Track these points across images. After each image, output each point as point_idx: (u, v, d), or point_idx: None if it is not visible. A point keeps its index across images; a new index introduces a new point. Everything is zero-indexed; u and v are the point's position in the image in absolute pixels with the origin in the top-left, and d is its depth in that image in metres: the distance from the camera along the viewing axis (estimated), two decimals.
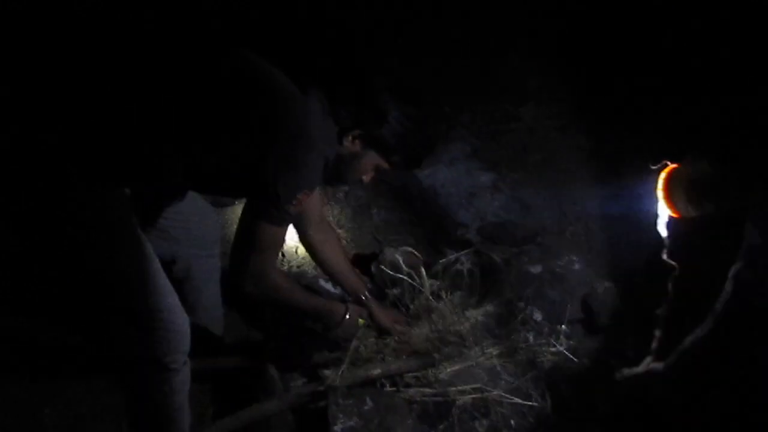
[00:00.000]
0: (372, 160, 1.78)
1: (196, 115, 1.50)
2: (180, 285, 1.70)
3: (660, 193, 1.35)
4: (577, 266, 2.59)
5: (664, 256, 1.43)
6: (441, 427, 1.96)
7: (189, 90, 1.49)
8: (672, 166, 1.33)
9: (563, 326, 2.35)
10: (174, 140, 1.51)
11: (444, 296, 2.43)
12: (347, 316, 2.03)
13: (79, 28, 1.46)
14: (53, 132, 1.40)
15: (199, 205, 1.96)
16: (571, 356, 2.15)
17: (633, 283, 2.62)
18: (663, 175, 1.35)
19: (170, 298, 1.62)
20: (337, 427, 1.82)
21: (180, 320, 1.62)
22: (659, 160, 1.38)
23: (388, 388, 2.06)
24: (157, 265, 1.59)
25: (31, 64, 1.39)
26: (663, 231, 1.41)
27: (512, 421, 2.01)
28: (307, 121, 1.59)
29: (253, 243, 1.65)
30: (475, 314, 2.37)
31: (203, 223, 1.97)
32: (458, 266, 2.58)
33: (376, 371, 2.05)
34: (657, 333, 1.56)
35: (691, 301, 1.52)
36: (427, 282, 2.47)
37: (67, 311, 2.03)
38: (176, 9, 1.59)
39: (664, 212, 1.38)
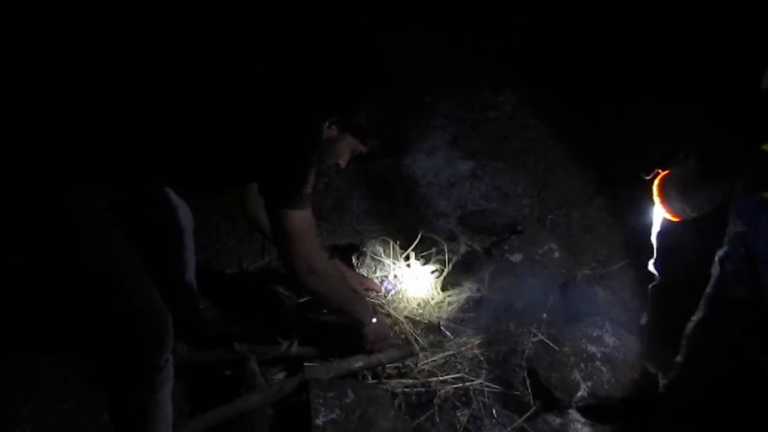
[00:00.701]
0: (348, 143, 1.78)
1: (200, 114, 1.49)
2: (157, 279, 1.68)
3: (656, 199, 1.35)
4: (557, 254, 2.60)
5: (651, 267, 1.44)
6: (423, 417, 1.97)
7: (191, 88, 1.49)
8: (663, 172, 1.34)
9: (544, 315, 2.36)
10: (176, 139, 1.51)
11: (424, 286, 2.42)
12: (374, 318, 2.05)
13: (76, 25, 1.44)
14: (44, 131, 1.40)
15: (170, 198, 1.93)
16: (552, 344, 2.15)
17: (613, 271, 2.65)
18: (656, 182, 1.36)
19: (152, 293, 1.60)
20: (319, 420, 1.81)
21: (162, 316, 1.60)
22: (647, 167, 1.39)
23: (369, 380, 2.06)
24: (136, 260, 1.58)
25: (28, 62, 1.39)
26: (654, 241, 1.42)
27: (494, 410, 2.02)
28: (304, 110, 1.60)
29: (290, 234, 1.68)
30: (456, 304, 2.37)
31: (175, 216, 1.94)
32: (439, 256, 2.58)
33: (358, 363, 2.05)
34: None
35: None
36: (407, 273, 2.47)
37: (48, 308, 2.00)
38: (176, 9, 1.57)
39: (658, 220, 1.39)
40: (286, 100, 1.56)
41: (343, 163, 1.83)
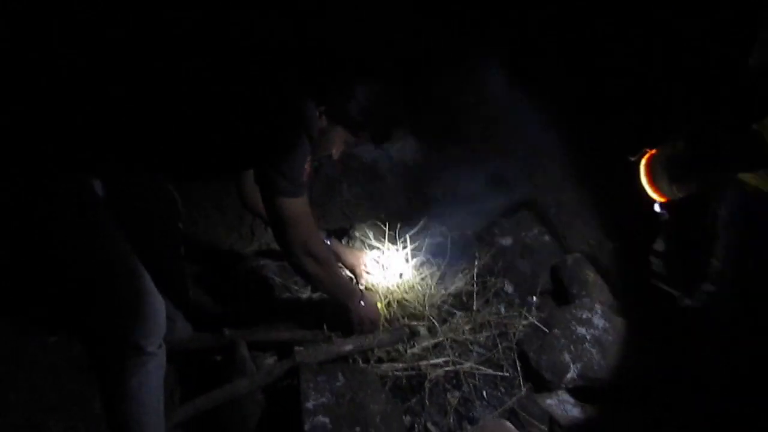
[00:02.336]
0: (339, 134, 1.79)
1: (189, 97, 1.50)
2: (147, 268, 1.68)
3: (643, 179, 1.35)
4: (547, 238, 2.60)
5: (657, 207, 1.43)
6: (413, 400, 1.97)
7: (181, 71, 1.49)
8: (651, 152, 1.33)
9: (534, 298, 2.37)
10: (166, 123, 1.52)
11: (415, 270, 2.42)
12: (362, 302, 2.07)
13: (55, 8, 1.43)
14: (31, 123, 1.40)
15: (158, 186, 1.92)
16: (542, 327, 2.16)
17: (602, 254, 2.66)
18: (643, 161, 1.35)
19: (144, 281, 1.60)
20: (309, 404, 1.81)
21: (156, 302, 1.61)
22: (635, 148, 1.38)
23: (360, 364, 2.05)
24: (127, 248, 1.58)
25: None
26: (660, 211, 1.41)
27: (484, 392, 2.03)
28: (299, 97, 1.61)
29: (287, 221, 1.70)
30: (447, 288, 2.37)
31: (163, 205, 1.93)
32: (430, 240, 2.57)
33: (348, 347, 2.04)
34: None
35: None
36: (397, 257, 2.47)
37: (35, 297, 1.99)
38: None
39: (649, 198, 1.38)
40: (278, 85, 1.56)
41: (335, 153, 1.85)
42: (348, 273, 2.35)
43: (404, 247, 2.50)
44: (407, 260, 2.46)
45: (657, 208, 1.42)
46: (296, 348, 2.01)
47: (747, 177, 1.40)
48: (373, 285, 2.33)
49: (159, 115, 1.50)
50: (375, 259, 2.41)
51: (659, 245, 1.56)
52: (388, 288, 2.32)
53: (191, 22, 1.53)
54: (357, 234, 2.60)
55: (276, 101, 1.56)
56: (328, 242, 2.33)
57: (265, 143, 1.60)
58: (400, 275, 2.36)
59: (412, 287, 2.33)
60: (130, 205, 1.79)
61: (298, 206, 1.70)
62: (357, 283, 2.31)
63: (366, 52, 1.72)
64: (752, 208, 1.44)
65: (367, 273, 2.34)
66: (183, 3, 1.55)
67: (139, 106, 1.48)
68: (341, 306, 2.05)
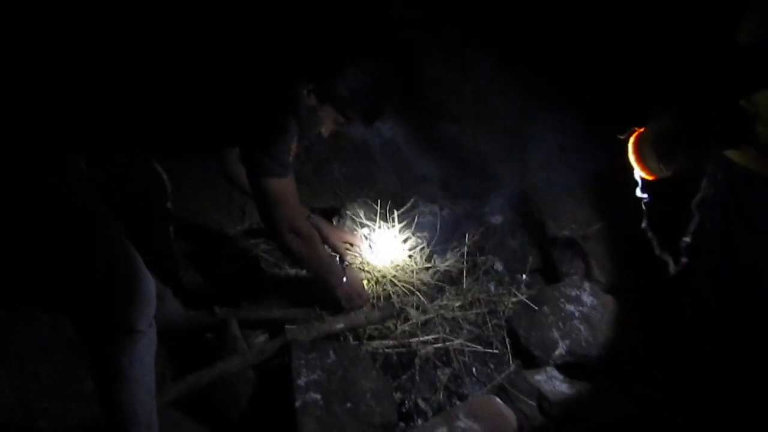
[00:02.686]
0: (329, 114, 1.78)
1: (177, 74, 1.49)
2: (135, 245, 1.67)
3: (632, 158, 1.35)
4: (537, 216, 2.61)
5: (644, 224, 1.45)
6: (404, 377, 1.99)
7: (170, 48, 1.48)
8: (639, 130, 1.33)
9: (524, 275, 2.38)
10: (153, 101, 1.51)
11: (406, 249, 2.43)
12: (345, 279, 2.09)
13: None
14: (24, 101, 1.39)
15: (147, 166, 1.91)
16: (531, 304, 2.18)
17: (591, 232, 2.67)
18: (631, 139, 1.35)
19: (135, 259, 1.59)
20: (301, 381, 1.82)
21: (147, 281, 1.60)
22: (624, 126, 1.38)
23: (351, 342, 2.07)
24: (117, 228, 1.57)
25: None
26: (642, 195, 1.42)
27: (474, 369, 2.05)
28: (286, 77, 1.61)
29: (272, 200, 1.71)
30: (437, 266, 2.38)
31: (152, 184, 1.92)
32: (421, 218, 2.58)
33: (339, 325, 2.06)
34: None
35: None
36: (388, 235, 2.47)
37: (30, 278, 1.97)
38: None
39: (638, 176, 1.38)
40: (264, 65, 1.55)
41: (325, 132, 1.83)
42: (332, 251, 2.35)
43: (394, 226, 2.50)
44: (397, 238, 2.46)
45: (639, 192, 1.43)
46: (287, 326, 2.02)
47: (733, 154, 1.41)
48: (362, 263, 2.33)
49: (146, 93, 1.49)
50: (365, 236, 2.42)
51: (644, 222, 1.57)
52: (377, 266, 2.33)
53: (180, 1, 1.51)
54: (348, 213, 2.60)
55: (262, 82, 1.55)
56: (314, 218, 2.33)
57: (251, 123, 1.60)
58: (391, 261, 2.36)
59: (401, 267, 2.34)
60: (117, 185, 1.78)
61: (283, 186, 1.70)
62: (341, 260, 2.31)
63: (357, 30, 1.71)
64: (738, 184, 1.45)
65: (350, 251, 2.34)
66: None
67: (127, 85, 1.47)
68: (326, 283, 2.07)
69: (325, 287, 2.08)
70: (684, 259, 1.47)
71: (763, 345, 1.52)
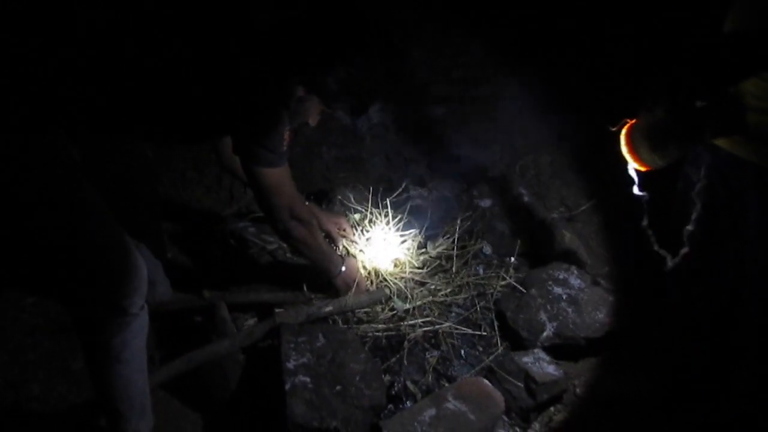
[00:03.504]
0: (315, 104, 1.78)
1: (167, 62, 1.47)
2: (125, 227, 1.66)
3: (624, 149, 1.34)
4: (525, 199, 2.62)
5: (644, 223, 1.45)
6: (393, 359, 2.00)
7: (164, 35, 1.45)
8: (630, 122, 1.33)
9: (512, 258, 2.40)
10: (143, 87, 1.48)
11: (394, 233, 2.43)
12: (344, 268, 2.10)
13: None
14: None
15: (132, 150, 1.89)
16: (519, 287, 2.20)
17: (579, 214, 2.69)
18: (624, 131, 1.35)
19: (125, 241, 1.58)
20: (290, 364, 1.82)
21: (138, 263, 1.59)
22: (616, 119, 1.37)
23: (340, 325, 2.08)
24: (106, 210, 1.56)
25: None
26: (639, 192, 1.41)
27: (462, 351, 2.07)
28: (278, 70, 1.59)
29: (270, 189, 1.72)
30: (427, 249, 2.39)
31: (137, 164, 1.91)
32: (410, 202, 2.58)
33: (328, 308, 2.06)
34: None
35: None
36: (376, 220, 2.47)
37: (19, 259, 1.96)
38: None
39: (632, 170, 1.38)
40: (257, 57, 1.53)
41: (312, 122, 1.83)
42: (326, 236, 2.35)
43: (387, 217, 2.48)
44: (388, 224, 2.45)
45: (636, 190, 1.43)
46: (276, 310, 2.02)
47: (721, 142, 1.42)
48: (354, 249, 2.33)
49: (138, 83, 1.47)
50: (356, 222, 2.41)
51: (644, 221, 1.58)
52: (368, 252, 2.33)
53: None
54: (338, 197, 2.59)
55: (254, 73, 1.54)
56: (310, 205, 2.33)
57: (245, 115, 1.59)
58: (385, 254, 2.36)
59: (390, 249, 2.34)
60: (105, 169, 1.76)
61: (279, 175, 1.71)
62: (335, 247, 2.31)
63: (348, 24, 1.67)
64: (726, 172, 1.46)
65: (344, 237, 2.34)
66: None
67: (120, 72, 1.43)
68: (325, 272, 2.07)
69: (323, 275, 2.09)
70: (685, 249, 1.47)
71: (744, 320, 1.54)
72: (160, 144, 1.89)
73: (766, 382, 1.58)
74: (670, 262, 1.48)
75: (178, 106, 1.55)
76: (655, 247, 1.49)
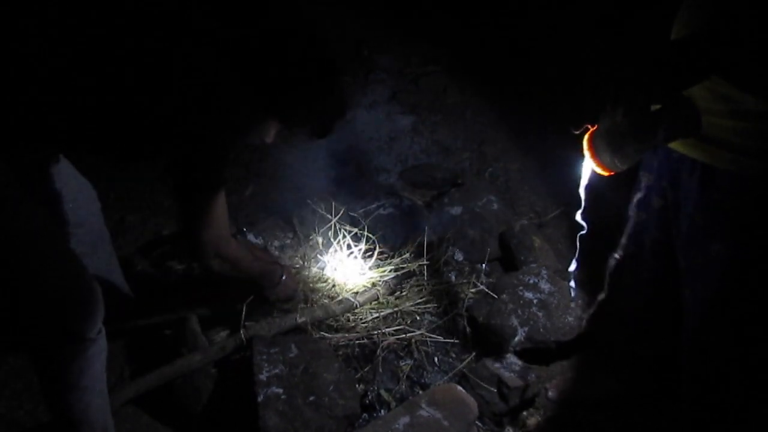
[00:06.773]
0: (273, 127, 1.64)
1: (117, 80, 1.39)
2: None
3: (586, 154, 1.37)
4: (495, 206, 2.65)
5: (578, 218, 1.48)
6: (366, 369, 2.00)
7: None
8: (593, 128, 1.36)
9: (483, 265, 2.41)
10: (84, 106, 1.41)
11: (366, 242, 2.43)
12: (284, 276, 2.02)
13: None
14: None
15: (70, 175, 1.82)
16: (491, 292, 2.21)
17: (548, 220, 2.73)
18: (586, 136, 1.38)
19: (78, 265, 1.52)
20: (263, 376, 1.81)
21: (92, 286, 1.52)
22: (579, 123, 1.40)
23: (313, 335, 2.07)
24: (56, 230, 1.51)
25: None
26: (582, 193, 1.45)
27: (436, 358, 2.07)
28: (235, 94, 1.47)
29: (201, 218, 1.58)
30: (398, 258, 2.39)
31: (76, 185, 1.84)
32: (380, 211, 2.58)
33: (300, 319, 2.05)
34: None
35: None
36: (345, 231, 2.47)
37: None
38: None
39: (586, 173, 1.41)
40: (216, 72, 1.43)
41: (269, 140, 1.68)
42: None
43: (353, 226, 2.47)
44: (356, 236, 2.44)
45: (579, 218, 1.48)
46: (247, 322, 2.00)
47: (675, 145, 1.46)
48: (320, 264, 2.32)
49: (77, 98, 1.39)
50: (326, 262, 2.35)
51: (573, 265, 1.64)
52: (336, 263, 2.32)
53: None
54: (307, 207, 2.56)
55: (208, 93, 1.43)
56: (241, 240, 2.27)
57: (191, 135, 1.45)
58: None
59: (359, 258, 2.34)
60: (46, 191, 1.71)
61: (216, 204, 1.58)
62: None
63: (315, 51, 1.59)
64: (678, 173, 1.51)
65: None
66: None
67: (66, 88, 1.37)
68: (257, 286, 2.00)
69: (256, 289, 2.01)
70: (619, 254, 1.52)
71: (701, 325, 1.58)
72: (110, 163, 1.80)
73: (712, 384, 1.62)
74: (611, 261, 1.53)
75: (120, 122, 1.44)
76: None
